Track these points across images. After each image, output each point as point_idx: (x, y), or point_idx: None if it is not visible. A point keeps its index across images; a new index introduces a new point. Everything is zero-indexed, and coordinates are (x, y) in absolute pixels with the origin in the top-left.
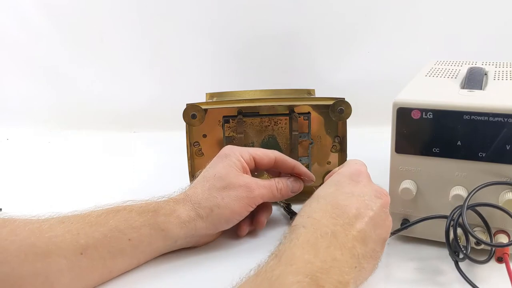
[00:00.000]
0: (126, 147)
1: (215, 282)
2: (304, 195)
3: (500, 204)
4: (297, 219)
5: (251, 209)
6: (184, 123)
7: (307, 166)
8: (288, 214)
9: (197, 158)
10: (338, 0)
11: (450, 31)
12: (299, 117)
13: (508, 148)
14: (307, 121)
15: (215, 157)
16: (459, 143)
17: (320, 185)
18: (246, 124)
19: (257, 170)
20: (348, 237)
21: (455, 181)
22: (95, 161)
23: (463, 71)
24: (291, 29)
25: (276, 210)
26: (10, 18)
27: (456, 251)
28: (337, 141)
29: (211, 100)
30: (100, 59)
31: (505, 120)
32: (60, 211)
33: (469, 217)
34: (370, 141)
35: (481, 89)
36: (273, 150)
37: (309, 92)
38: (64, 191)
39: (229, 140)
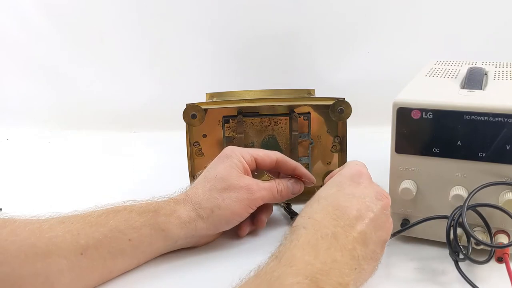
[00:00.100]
0: (126, 147)
1: (215, 282)
2: (304, 195)
3: (500, 204)
4: (297, 220)
5: (252, 211)
6: (184, 123)
7: (307, 166)
8: (289, 214)
9: (197, 158)
10: (338, 0)
11: (450, 31)
12: (299, 117)
13: (508, 148)
14: (307, 121)
15: (216, 158)
16: (459, 143)
17: (320, 186)
18: (246, 124)
19: (257, 170)
20: (349, 239)
21: (455, 181)
22: (95, 161)
23: (463, 71)
24: (291, 29)
25: (277, 210)
26: (10, 18)
27: (456, 251)
28: (337, 141)
29: (211, 100)
30: (100, 59)
31: (505, 120)
32: (60, 211)
33: (469, 217)
34: (370, 141)
35: (481, 89)
36: (274, 151)
37: (309, 92)
38: (64, 191)
39: (229, 140)
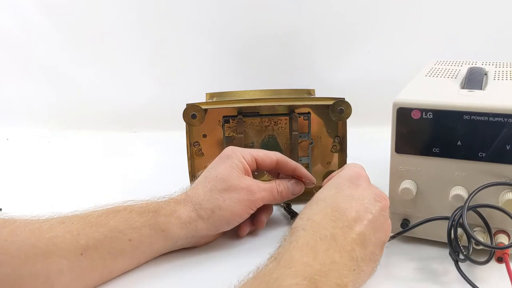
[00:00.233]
0: (126, 147)
1: (216, 282)
2: (304, 195)
3: (500, 204)
4: (297, 221)
5: (252, 212)
6: (184, 123)
7: (307, 166)
8: (289, 214)
9: (197, 158)
10: (338, 0)
11: (450, 31)
12: (299, 117)
13: (508, 148)
14: (307, 121)
15: (216, 158)
16: (459, 143)
17: (320, 186)
18: (246, 124)
19: (258, 170)
20: (347, 240)
21: (455, 181)
22: (95, 161)
23: (463, 71)
24: (291, 29)
25: (277, 210)
26: (10, 18)
27: (456, 251)
28: (337, 141)
29: (211, 100)
30: (100, 59)
31: (505, 120)
32: (60, 211)
33: (469, 217)
34: (370, 141)
35: (481, 89)
36: (275, 152)
37: (309, 92)
38: (64, 191)
39: (229, 140)
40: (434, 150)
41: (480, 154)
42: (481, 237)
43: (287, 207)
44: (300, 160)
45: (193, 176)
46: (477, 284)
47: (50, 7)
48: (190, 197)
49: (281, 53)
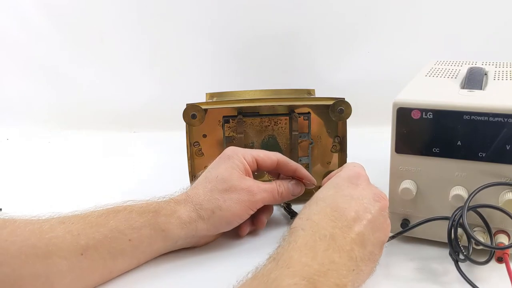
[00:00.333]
0: (126, 147)
1: (216, 282)
2: (304, 195)
3: (500, 204)
4: (296, 221)
5: (252, 212)
6: (184, 123)
7: (307, 166)
8: (289, 214)
9: (197, 158)
10: (338, 0)
11: (450, 31)
12: (299, 117)
13: (508, 148)
14: (307, 121)
15: (217, 158)
16: (459, 143)
17: (319, 186)
18: (246, 124)
19: (258, 171)
20: (347, 240)
21: (455, 181)
22: (95, 161)
23: (463, 71)
24: (291, 29)
25: (277, 210)
26: (10, 18)
27: (457, 251)
28: (337, 141)
29: (211, 100)
30: (100, 59)
31: (505, 120)
32: (60, 211)
33: (469, 217)
34: (370, 141)
35: (481, 89)
36: (275, 153)
37: (309, 92)
38: (64, 191)
39: (229, 140)
40: (434, 150)
41: (480, 154)
42: (481, 237)
43: (287, 207)
44: (300, 160)
45: (193, 176)
46: (477, 284)
47: (50, 7)
48: (191, 197)
49: (281, 53)
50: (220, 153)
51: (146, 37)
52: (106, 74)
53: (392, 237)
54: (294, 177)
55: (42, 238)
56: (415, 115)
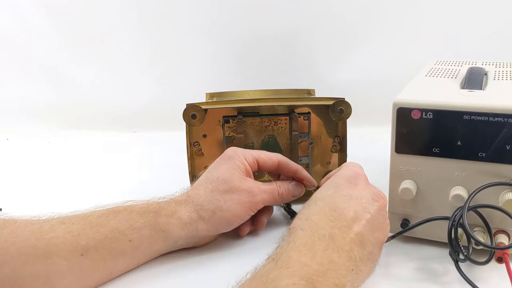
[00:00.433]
0: (126, 147)
1: (216, 282)
2: (304, 195)
3: (500, 204)
4: (295, 222)
5: (253, 213)
6: (184, 123)
7: (307, 166)
8: (289, 214)
9: (197, 158)
10: (338, 0)
11: (450, 31)
12: (299, 117)
13: (508, 148)
14: (307, 121)
15: (218, 158)
16: (459, 143)
17: (319, 186)
18: (246, 124)
19: (258, 171)
20: (346, 240)
21: (455, 181)
22: (95, 161)
23: (463, 71)
24: (291, 29)
25: (277, 210)
26: (10, 18)
27: (456, 251)
28: (337, 141)
29: (211, 100)
30: (100, 59)
31: (505, 120)
32: (60, 211)
33: (469, 217)
34: (370, 141)
35: (481, 89)
36: (276, 154)
37: (309, 92)
38: (64, 191)
39: (229, 140)
40: (434, 150)
41: (480, 154)
42: (481, 237)
43: (287, 207)
44: (300, 160)
45: (193, 176)
46: (477, 284)
47: (50, 7)
48: (191, 197)
49: (281, 53)
50: (220, 153)
51: (146, 37)
52: (106, 74)
53: (392, 237)
54: (294, 178)
55: (42, 239)
56: (415, 115)
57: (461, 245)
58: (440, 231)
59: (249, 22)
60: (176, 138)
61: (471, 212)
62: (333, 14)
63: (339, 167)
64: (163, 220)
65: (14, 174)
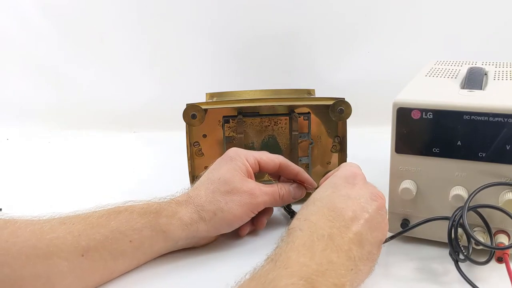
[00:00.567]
0: (126, 147)
1: (216, 282)
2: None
3: (500, 204)
4: (294, 222)
5: (253, 215)
6: (184, 123)
7: (307, 166)
8: (289, 214)
9: (197, 158)
10: (338, 0)
11: (450, 31)
12: (299, 117)
13: (508, 148)
14: (307, 121)
15: (219, 159)
16: (459, 143)
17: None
18: (246, 124)
19: (260, 173)
20: (345, 240)
21: (455, 181)
22: (95, 161)
23: (463, 71)
24: (291, 29)
25: (277, 210)
26: (10, 18)
27: (456, 251)
28: (337, 141)
29: (211, 100)
30: (100, 59)
31: (505, 120)
32: (60, 212)
33: (469, 217)
34: (370, 141)
35: (481, 89)
36: (277, 155)
37: (309, 92)
38: (64, 191)
39: (229, 140)
40: (434, 150)
41: (480, 154)
42: (481, 237)
43: (287, 207)
44: (300, 160)
45: (193, 176)
46: (477, 284)
47: (50, 7)
48: (192, 198)
49: (281, 53)
50: (220, 153)
51: (146, 37)
52: (106, 74)
53: (392, 237)
54: (295, 180)
55: (43, 239)
56: (415, 115)
57: (461, 245)
58: (440, 231)
59: (249, 22)
60: (176, 138)
61: (471, 212)
62: (333, 14)
63: (337, 168)
64: (164, 221)
65: (14, 174)
